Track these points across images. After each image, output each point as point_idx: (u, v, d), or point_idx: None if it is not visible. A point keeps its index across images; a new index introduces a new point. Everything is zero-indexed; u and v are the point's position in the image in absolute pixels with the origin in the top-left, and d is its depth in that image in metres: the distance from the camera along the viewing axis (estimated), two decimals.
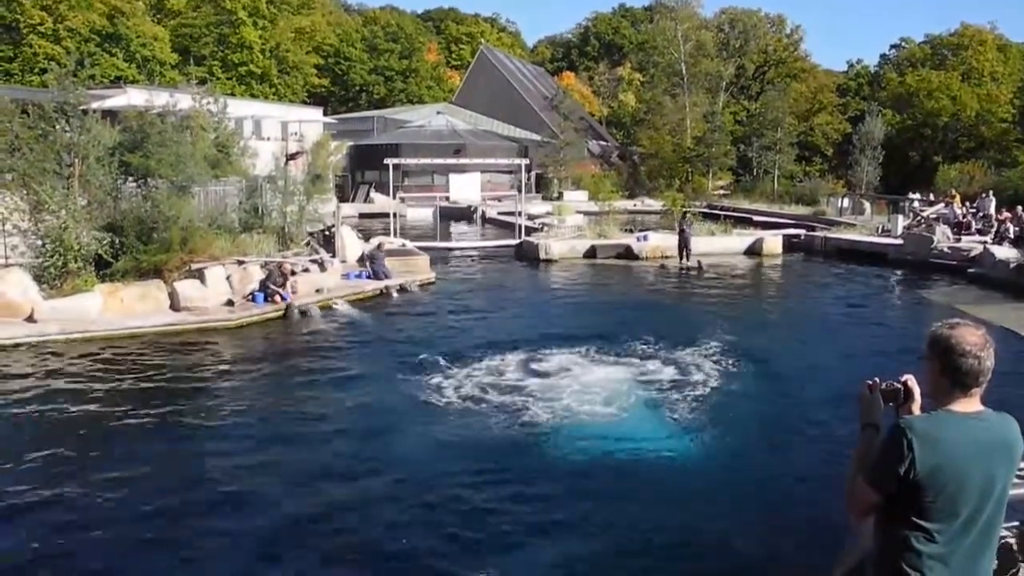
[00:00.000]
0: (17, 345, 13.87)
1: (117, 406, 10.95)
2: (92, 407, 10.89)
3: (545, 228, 31.60)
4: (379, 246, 22.20)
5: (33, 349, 13.81)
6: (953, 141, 61.69)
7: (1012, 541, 3.90)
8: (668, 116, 57.80)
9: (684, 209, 31.93)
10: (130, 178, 17.67)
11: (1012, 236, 25.53)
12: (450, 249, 28.76)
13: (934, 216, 30.13)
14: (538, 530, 7.40)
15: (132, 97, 28.22)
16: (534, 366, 12.80)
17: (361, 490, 8.28)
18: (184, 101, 21.94)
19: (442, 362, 13.19)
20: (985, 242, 25.24)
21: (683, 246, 25.11)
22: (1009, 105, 61.94)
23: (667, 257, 26.01)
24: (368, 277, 20.38)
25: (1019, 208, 27.46)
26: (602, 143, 70.49)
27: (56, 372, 12.61)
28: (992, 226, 27.44)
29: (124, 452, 9.33)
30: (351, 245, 22.55)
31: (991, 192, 31.90)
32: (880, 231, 30.13)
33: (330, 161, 23.18)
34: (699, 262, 24.91)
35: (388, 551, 7.01)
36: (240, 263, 17.58)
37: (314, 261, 19.63)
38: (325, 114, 56.62)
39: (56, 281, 15.60)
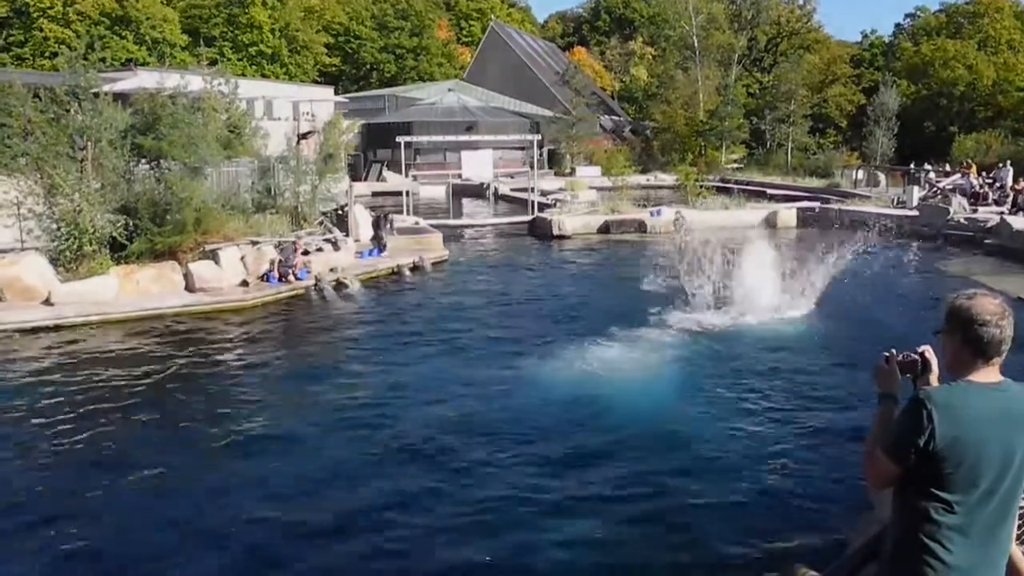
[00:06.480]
0: (35, 328, 13.99)
1: (140, 386, 11.05)
2: (114, 387, 11.00)
3: (558, 204, 31.48)
4: (386, 215, 22.37)
5: (51, 332, 13.92)
6: (969, 111, 60.85)
7: None
8: (680, 90, 57.25)
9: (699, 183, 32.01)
10: (143, 160, 17.72)
11: None
12: (463, 226, 28.71)
13: (950, 187, 29.84)
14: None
15: (143, 79, 28.08)
16: (548, 344, 12.80)
17: (379, 462, 8.34)
18: (195, 83, 21.92)
19: (454, 338, 13.26)
20: (1002, 213, 25.01)
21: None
22: None
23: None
24: (379, 252, 20.51)
25: None
26: (614, 118, 70.05)
27: (75, 354, 12.73)
28: (1009, 196, 27.18)
29: (149, 434, 9.42)
30: (364, 224, 22.58)
31: (1008, 162, 31.51)
32: (895, 203, 29.88)
33: (342, 140, 23.14)
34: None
35: (408, 521, 7.07)
36: (254, 244, 17.65)
37: (327, 241, 19.68)
38: (336, 93, 56.44)
39: (72, 264, 15.70)
